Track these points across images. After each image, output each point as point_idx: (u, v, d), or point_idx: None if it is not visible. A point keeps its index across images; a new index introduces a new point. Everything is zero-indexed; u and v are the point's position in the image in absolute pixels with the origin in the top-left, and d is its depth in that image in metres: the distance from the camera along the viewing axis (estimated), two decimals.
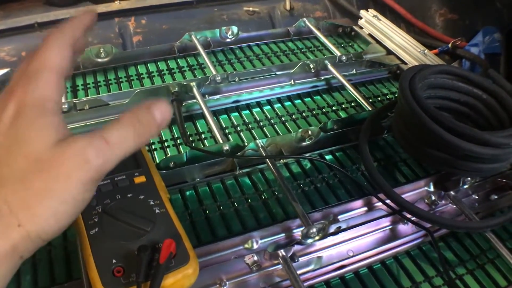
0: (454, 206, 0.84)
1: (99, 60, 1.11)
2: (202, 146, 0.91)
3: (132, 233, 0.57)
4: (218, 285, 0.68)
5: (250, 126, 0.98)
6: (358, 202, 0.81)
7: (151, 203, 0.61)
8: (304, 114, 1.02)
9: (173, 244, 0.54)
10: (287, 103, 1.05)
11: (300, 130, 0.88)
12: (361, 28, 1.34)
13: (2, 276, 0.40)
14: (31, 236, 0.41)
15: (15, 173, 0.41)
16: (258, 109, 1.02)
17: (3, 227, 0.40)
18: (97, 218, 0.58)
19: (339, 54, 1.15)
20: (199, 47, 1.14)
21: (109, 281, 0.53)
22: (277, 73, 1.09)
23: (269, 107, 1.03)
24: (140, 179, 0.64)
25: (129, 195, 0.61)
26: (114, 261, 0.54)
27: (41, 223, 0.41)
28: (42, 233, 0.42)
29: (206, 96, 1.02)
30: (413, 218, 0.78)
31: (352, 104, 1.06)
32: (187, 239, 0.59)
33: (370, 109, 0.99)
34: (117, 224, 0.57)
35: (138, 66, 1.13)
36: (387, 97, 1.10)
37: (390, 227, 0.80)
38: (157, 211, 0.60)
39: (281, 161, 0.89)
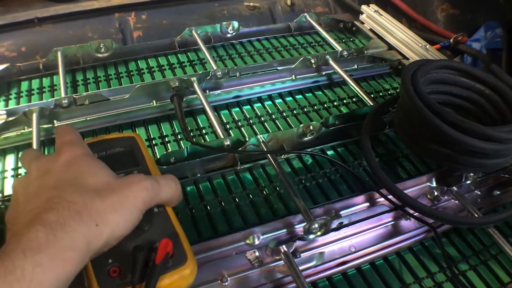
0: (457, 201, 0.83)
1: (99, 55, 1.11)
2: (203, 141, 0.91)
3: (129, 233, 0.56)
4: (219, 281, 0.67)
5: (251, 121, 0.97)
6: (360, 198, 0.80)
7: None
8: (305, 109, 1.01)
9: (170, 244, 0.55)
10: (288, 98, 1.05)
11: (301, 125, 0.87)
12: (362, 23, 1.34)
13: (76, 265, 0.48)
14: (103, 236, 0.51)
15: (91, 192, 0.53)
16: (259, 104, 1.02)
17: (84, 225, 0.49)
18: None
19: (340, 49, 1.15)
20: (199, 42, 1.14)
21: (105, 281, 0.53)
22: (278, 68, 1.09)
23: (270, 102, 1.03)
24: None
25: None
26: (110, 261, 0.54)
27: (113, 226, 0.52)
28: (112, 235, 0.52)
29: (207, 91, 1.01)
30: (416, 214, 0.77)
31: (354, 99, 1.05)
32: (185, 239, 0.58)
33: (371, 104, 0.99)
34: None
35: (138, 61, 1.13)
36: (389, 92, 1.10)
37: (392, 222, 0.79)
38: (155, 209, 0.60)
39: (283, 156, 0.89)
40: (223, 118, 0.97)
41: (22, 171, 0.84)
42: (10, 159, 0.86)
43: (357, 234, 0.77)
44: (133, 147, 0.69)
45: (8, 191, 0.80)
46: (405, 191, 0.77)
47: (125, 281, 0.53)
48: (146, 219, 0.57)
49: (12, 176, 0.83)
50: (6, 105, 0.98)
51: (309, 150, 0.91)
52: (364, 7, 1.35)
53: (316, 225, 0.69)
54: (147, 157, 0.69)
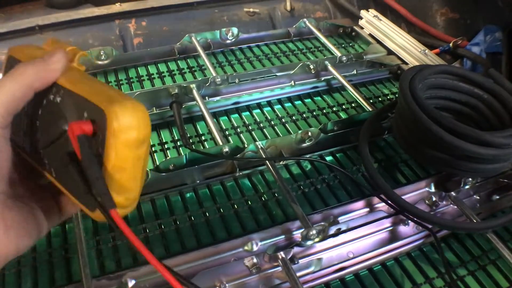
0: (455, 207, 0.83)
1: (100, 62, 1.11)
2: (202, 148, 0.91)
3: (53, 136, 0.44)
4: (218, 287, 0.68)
5: (250, 127, 0.97)
6: (359, 204, 0.80)
7: (51, 96, 0.45)
8: (304, 115, 1.02)
9: (80, 124, 0.40)
10: (287, 104, 1.05)
11: (300, 131, 0.87)
12: (362, 28, 1.34)
13: None
14: None
15: None
16: (258, 110, 1.02)
17: None
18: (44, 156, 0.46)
19: (339, 54, 1.15)
20: (199, 48, 1.14)
21: (89, 201, 0.41)
22: (278, 74, 1.09)
23: (269, 108, 1.03)
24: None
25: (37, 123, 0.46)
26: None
27: None
28: None
29: (206, 97, 1.02)
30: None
31: (353, 104, 1.06)
32: (91, 93, 0.41)
33: (370, 109, 0.99)
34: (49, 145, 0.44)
35: (138, 68, 1.13)
36: (388, 97, 1.10)
37: (390, 228, 0.79)
38: (58, 99, 0.44)
39: (281, 162, 0.89)
40: (222, 125, 0.98)
41: None
42: None
43: (355, 240, 0.77)
44: None
45: None
46: (404, 197, 0.78)
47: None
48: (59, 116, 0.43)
49: None
50: None
51: (307, 156, 0.91)
52: (363, 12, 1.35)
53: (314, 232, 0.70)
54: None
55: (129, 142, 0.39)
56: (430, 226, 0.77)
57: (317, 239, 0.71)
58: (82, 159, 0.39)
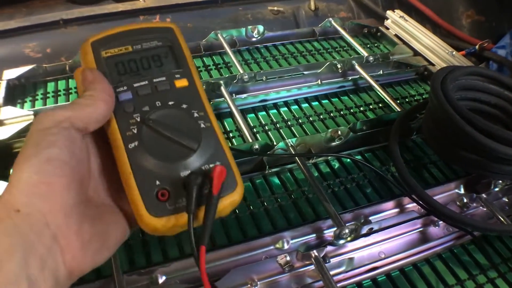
0: (485, 208, 0.83)
1: None
2: (230, 145, 0.91)
3: (177, 151, 0.50)
4: (249, 285, 0.67)
5: (278, 125, 0.97)
6: (389, 204, 0.80)
7: (195, 115, 0.52)
8: (331, 114, 1.01)
9: (224, 172, 0.48)
10: (315, 103, 1.04)
11: (329, 130, 0.87)
12: (387, 28, 1.34)
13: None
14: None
15: None
16: (285, 108, 1.02)
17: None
18: (136, 129, 0.50)
19: (366, 54, 1.14)
20: (225, 45, 1.14)
21: (154, 205, 0.47)
22: (305, 72, 1.09)
23: (296, 106, 1.03)
24: (181, 83, 0.54)
25: (170, 103, 0.52)
26: (157, 182, 0.48)
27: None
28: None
29: (233, 95, 1.01)
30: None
31: (380, 104, 1.05)
32: (233, 162, 0.52)
33: (398, 110, 0.99)
34: (159, 139, 0.50)
35: None
36: (415, 98, 1.09)
37: (421, 229, 0.79)
38: (202, 125, 0.52)
39: (310, 161, 0.89)
40: (250, 122, 0.97)
41: None
42: None
43: (386, 240, 0.76)
44: (172, 41, 0.57)
45: None
46: (434, 198, 0.77)
47: (175, 206, 0.48)
48: (193, 136, 0.50)
49: None
50: (33, 106, 0.99)
51: (345, 153, 0.91)
52: (389, 13, 1.34)
53: (347, 231, 0.69)
54: (188, 57, 0.57)
55: (233, 207, 0.51)
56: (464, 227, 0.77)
57: (349, 238, 0.71)
58: (215, 197, 0.47)
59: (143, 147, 0.49)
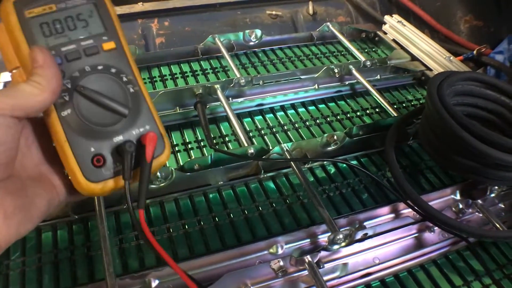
0: (480, 215, 0.83)
1: None
2: (226, 149, 0.90)
3: (109, 117, 0.51)
4: None
5: (274, 130, 0.97)
6: (384, 209, 0.80)
7: (124, 78, 0.53)
8: (328, 119, 1.01)
9: (155, 138, 0.52)
10: (311, 108, 1.04)
11: (325, 134, 0.87)
12: (385, 33, 1.33)
13: None
14: None
15: None
16: (282, 112, 1.02)
17: None
18: (67, 96, 0.50)
19: (363, 59, 1.14)
20: (222, 49, 1.14)
21: (90, 171, 0.49)
22: (302, 77, 1.08)
23: (293, 111, 1.03)
24: (109, 45, 0.53)
25: (99, 67, 0.52)
26: (92, 149, 0.50)
27: None
28: None
29: (230, 99, 1.01)
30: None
31: (377, 109, 1.05)
32: (161, 125, 0.54)
33: (395, 115, 0.98)
34: (91, 106, 0.50)
35: (161, 67, 1.13)
36: (412, 103, 1.09)
37: (416, 235, 0.79)
38: (131, 89, 0.53)
39: (306, 165, 0.89)
40: (246, 126, 0.97)
41: None
42: None
43: (381, 245, 0.76)
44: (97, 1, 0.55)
45: None
46: (429, 203, 0.77)
47: (111, 171, 0.50)
48: (123, 101, 0.51)
49: None
50: None
51: (340, 158, 0.91)
52: (387, 18, 1.34)
53: (341, 236, 0.69)
54: (114, 17, 0.55)
55: (161, 167, 0.56)
56: (459, 234, 0.77)
57: (343, 244, 0.71)
58: (148, 164, 0.51)
59: (76, 115, 0.49)
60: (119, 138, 0.51)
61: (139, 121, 0.52)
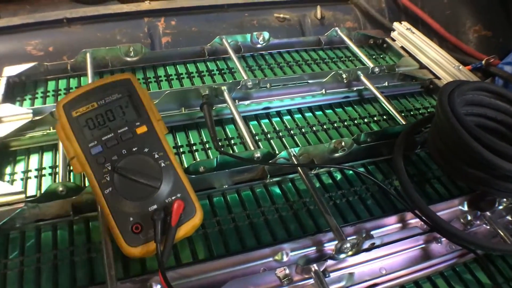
0: (488, 227, 0.81)
1: (128, 59, 1.10)
2: (231, 152, 0.89)
3: (144, 191, 0.64)
4: None
5: (280, 134, 0.95)
6: (392, 218, 0.78)
7: (156, 156, 0.66)
8: (335, 125, 0.99)
9: (182, 205, 0.63)
10: (318, 113, 1.03)
11: (333, 140, 0.85)
12: (393, 40, 1.32)
13: None
14: None
15: None
16: (288, 117, 1.00)
17: None
18: (109, 177, 0.64)
19: (371, 65, 1.13)
20: (230, 51, 1.12)
21: (130, 237, 0.62)
22: (309, 81, 1.07)
23: (299, 115, 1.01)
24: (141, 129, 0.67)
25: (134, 149, 0.66)
26: (131, 219, 0.62)
27: None
28: None
29: (236, 101, 1.00)
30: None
31: (384, 117, 1.04)
32: (192, 190, 0.66)
33: (403, 122, 0.97)
34: (128, 183, 0.63)
35: (167, 67, 1.12)
36: (420, 111, 1.08)
37: (423, 245, 0.78)
38: (162, 164, 0.66)
39: (313, 171, 0.87)
40: (252, 129, 0.96)
41: (46, 171, 0.83)
42: (34, 159, 0.85)
43: (388, 255, 0.75)
44: (130, 91, 0.70)
45: (31, 191, 0.79)
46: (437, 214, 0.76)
47: (147, 237, 0.62)
48: (155, 176, 0.65)
49: (36, 176, 0.82)
50: (32, 104, 0.97)
51: (347, 164, 0.89)
52: (396, 25, 1.33)
53: (348, 245, 0.68)
54: (146, 103, 0.70)
55: (195, 229, 0.67)
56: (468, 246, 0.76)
57: (350, 253, 0.69)
58: (173, 228, 0.62)
59: (116, 191, 0.63)
60: (153, 207, 0.63)
61: (170, 190, 0.65)
